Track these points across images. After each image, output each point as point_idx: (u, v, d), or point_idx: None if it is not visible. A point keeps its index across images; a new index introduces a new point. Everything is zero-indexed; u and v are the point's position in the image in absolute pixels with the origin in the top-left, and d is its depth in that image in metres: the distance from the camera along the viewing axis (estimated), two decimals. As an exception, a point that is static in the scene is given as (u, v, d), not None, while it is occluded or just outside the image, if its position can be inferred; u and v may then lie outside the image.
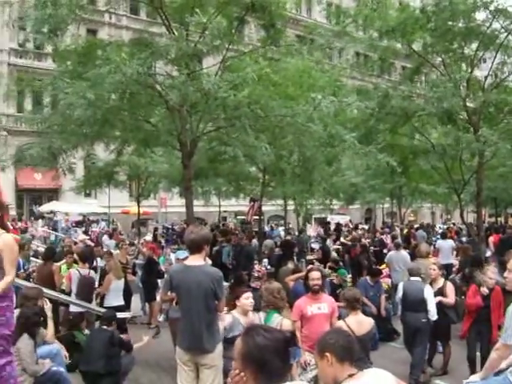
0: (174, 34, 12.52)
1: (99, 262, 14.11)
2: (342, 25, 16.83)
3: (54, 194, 39.59)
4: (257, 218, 25.42)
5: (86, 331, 10.31)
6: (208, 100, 11.42)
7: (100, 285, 12.41)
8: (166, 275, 13.60)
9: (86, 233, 24.47)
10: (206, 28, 12.21)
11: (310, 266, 9.09)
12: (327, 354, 3.79)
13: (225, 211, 38.78)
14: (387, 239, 23.93)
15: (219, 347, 6.68)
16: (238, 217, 39.21)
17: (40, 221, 29.31)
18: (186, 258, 7.57)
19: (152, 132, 13.23)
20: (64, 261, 13.38)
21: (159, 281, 14.47)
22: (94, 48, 12.68)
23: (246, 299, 7.48)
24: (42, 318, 8.18)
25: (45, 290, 9.64)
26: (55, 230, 27.95)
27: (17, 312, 7.94)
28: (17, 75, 18.58)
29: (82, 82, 10.77)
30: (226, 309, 7.46)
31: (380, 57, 17.30)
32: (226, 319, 7.32)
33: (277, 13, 12.95)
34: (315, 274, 8.19)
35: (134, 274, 16.08)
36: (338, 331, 4.37)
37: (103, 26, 37.98)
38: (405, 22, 15.33)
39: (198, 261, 6.62)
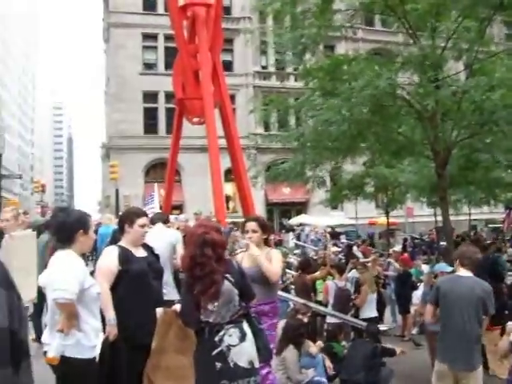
0: (419, 41, 12.36)
1: (353, 274, 14.21)
2: None
3: (302, 207, 41.09)
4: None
5: (343, 342, 10.42)
6: (460, 105, 11.04)
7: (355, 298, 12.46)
8: (419, 286, 13.40)
9: (335, 245, 24.76)
10: (453, 32, 11.86)
11: None
12: None
13: (475, 219, 37.13)
14: None
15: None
16: (489, 225, 37.26)
17: (291, 233, 30.32)
18: (451, 271, 7.39)
19: (405, 143, 13.12)
20: (318, 272, 13.66)
21: (413, 293, 14.21)
22: (340, 64, 12.93)
23: None
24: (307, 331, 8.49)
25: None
26: (305, 242, 28.74)
27: (283, 323, 8.32)
28: (267, 96, 19.49)
29: (335, 98, 11.04)
30: None
31: None
32: None
33: (529, 7, 12.19)
34: None
35: (384, 286, 15.93)
36: None
37: (340, 40, 38.64)
38: None
39: (468, 273, 6.41)
